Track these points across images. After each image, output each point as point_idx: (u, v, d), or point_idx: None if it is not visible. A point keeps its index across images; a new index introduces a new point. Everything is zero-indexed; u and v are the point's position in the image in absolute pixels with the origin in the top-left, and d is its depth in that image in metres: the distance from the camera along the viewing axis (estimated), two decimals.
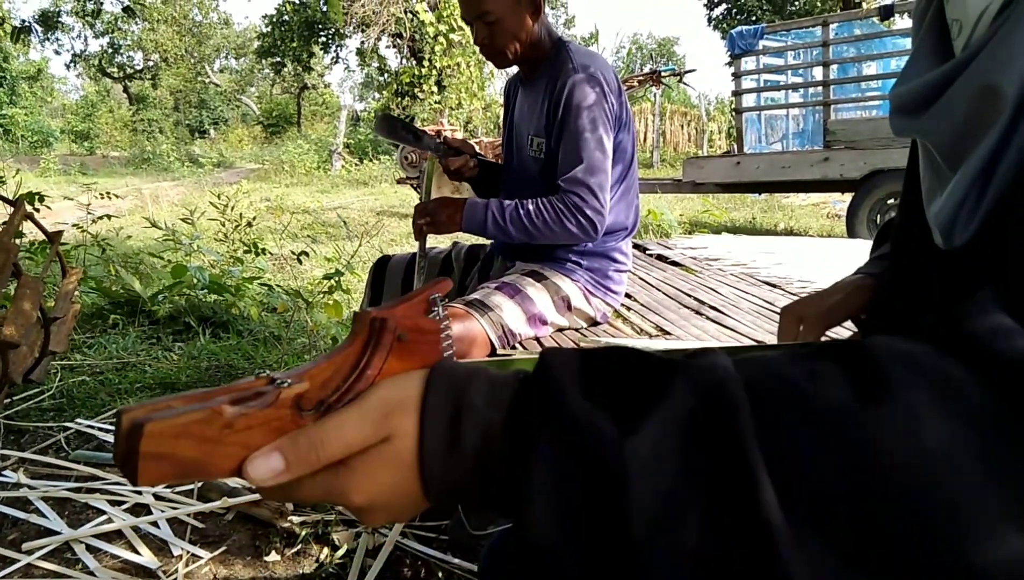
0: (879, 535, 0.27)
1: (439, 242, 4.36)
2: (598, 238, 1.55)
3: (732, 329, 1.62)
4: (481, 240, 1.83)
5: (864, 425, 0.28)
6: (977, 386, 0.28)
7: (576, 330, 1.66)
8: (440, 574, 1.47)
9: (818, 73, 6.51)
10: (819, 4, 20.43)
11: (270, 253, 4.70)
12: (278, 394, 0.34)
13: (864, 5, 17.41)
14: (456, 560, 1.51)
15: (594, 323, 1.68)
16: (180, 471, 0.32)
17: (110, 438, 2.10)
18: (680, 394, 0.31)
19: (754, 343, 1.51)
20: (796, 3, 21.85)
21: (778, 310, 1.79)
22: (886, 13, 6.04)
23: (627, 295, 2.00)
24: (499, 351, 1.50)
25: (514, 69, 1.78)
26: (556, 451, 0.31)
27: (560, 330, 1.65)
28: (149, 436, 0.31)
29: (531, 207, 1.52)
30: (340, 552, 1.53)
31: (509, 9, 1.57)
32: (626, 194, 1.68)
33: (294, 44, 21.65)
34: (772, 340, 1.51)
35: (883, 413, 0.28)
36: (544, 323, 1.59)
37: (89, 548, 1.56)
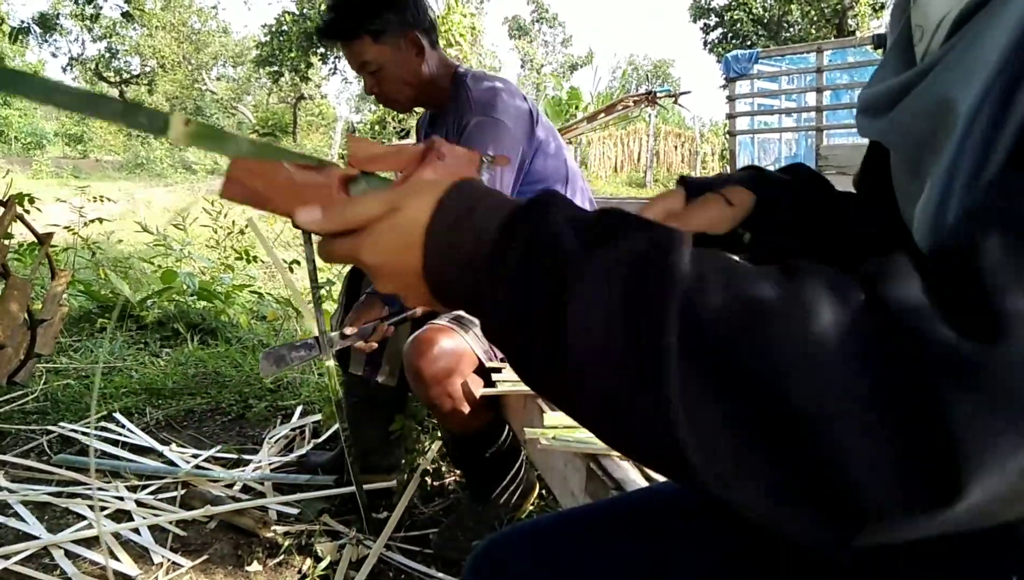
0: (747, 378, 0.31)
1: None
2: None
3: None
4: None
5: (771, 317, 0.33)
6: (861, 300, 0.32)
7: None
8: None
9: (811, 99, 6.60)
10: (814, 31, 20.74)
11: (261, 261, 4.69)
12: (331, 170, 0.49)
13: (858, 33, 17.69)
14: (440, 574, 1.50)
15: None
16: (249, 197, 0.47)
17: (93, 442, 2.08)
18: (635, 238, 0.37)
19: None
20: (791, 29, 22.17)
21: None
22: (879, 41, 6.13)
23: None
24: (488, 365, 1.50)
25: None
26: (527, 247, 0.39)
27: None
28: (233, 165, 0.47)
29: None
30: (323, 564, 1.52)
31: (390, 55, 1.53)
32: (582, 201, 1.68)
33: (292, 54, 21.72)
34: None
35: (792, 315, 0.32)
36: None
37: (68, 554, 1.54)
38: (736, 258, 0.37)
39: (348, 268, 2.02)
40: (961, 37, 0.39)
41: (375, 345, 1.49)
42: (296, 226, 0.47)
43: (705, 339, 0.32)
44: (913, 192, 0.45)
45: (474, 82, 1.58)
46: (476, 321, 1.54)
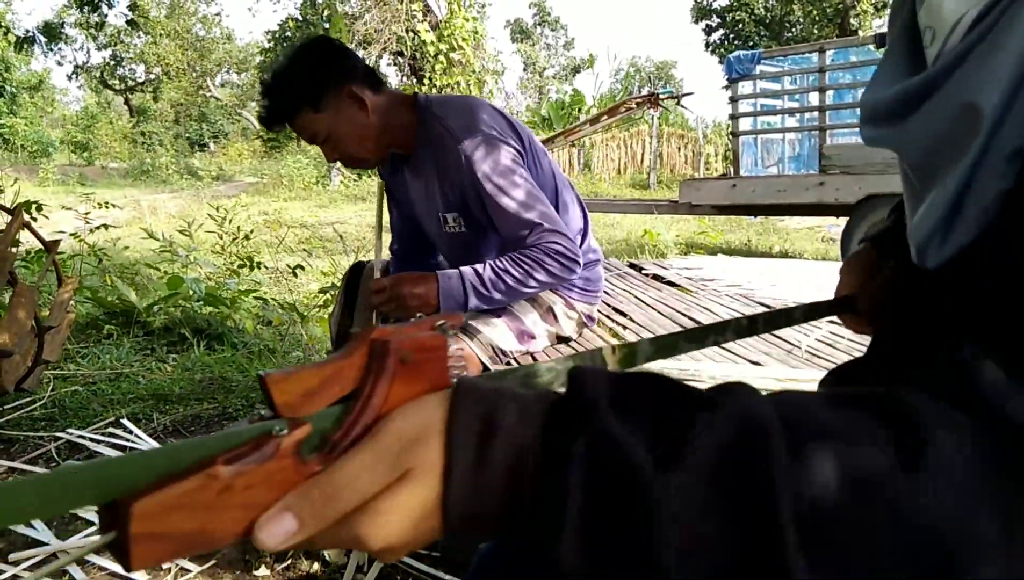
0: None
1: None
2: (580, 269, 1.49)
3: (727, 348, 1.63)
4: None
5: (898, 488, 0.29)
6: (998, 445, 0.29)
7: (566, 341, 1.67)
8: None
9: (814, 98, 6.59)
10: (816, 31, 20.70)
11: (266, 266, 4.70)
12: (277, 445, 0.31)
13: (860, 32, 17.66)
14: (447, 576, 1.50)
15: (582, 326, 1.68)
16: (180, 547, 0.29)
17: (102, 449, 2.08)
18: (716, 430, 0.30)
19: (748, 362, 1.52)
20: (793, 29, 22.14)
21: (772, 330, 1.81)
22: (882, 41, 6.12)
23: (621, 313, 2.00)
24: (492, 369, 1.50)
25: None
26: (591, 472, 0.31)
27: (554, 344, 1.65)
28: (139, 516, 0.28)
29: (510, 265, 1.42)
30: (331, 568, 1.52)
31: (334, 118, 1.48)
32: (565, 198, 1.64)
33: None
34: (765, 360, 1.52)
35: (919, 479, 0.29)
36: (533, 338, 1.59)
37: (77, 560, 1.54)
38: (827, 404, 0.33)
39: (348, 267, 2.03)
40: (980, 36, 0.37)
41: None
42: (265, 548, 0.31)
43: (837, 552, 0.28)
44: (915, 200, 0.43)
45: (441, 109, 1.52)
46: (481, 327, 1.55)
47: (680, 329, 1.80)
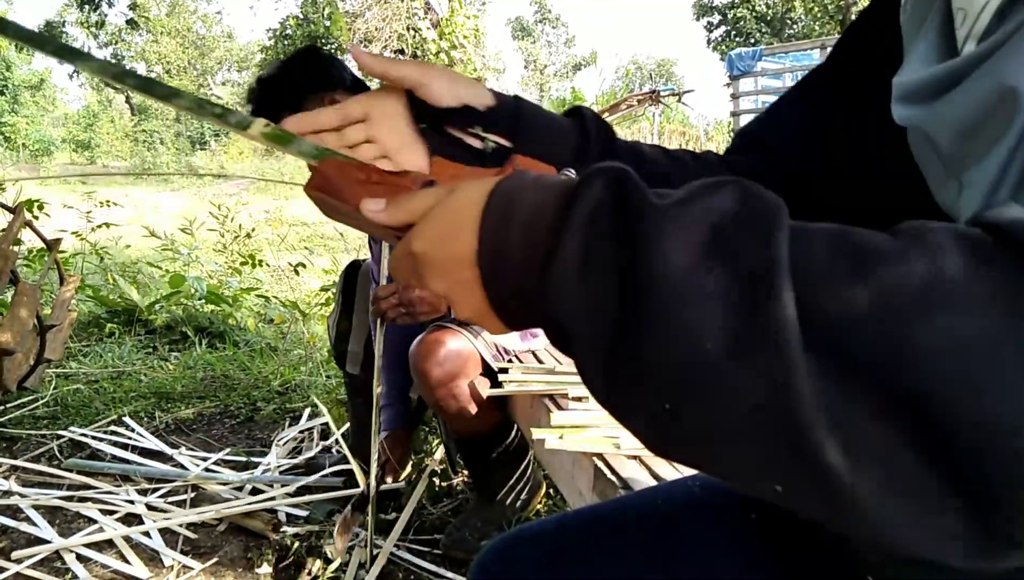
0: (903, 358, 0.26)
1: None
2: None
3: None
4: None
5: (922, 297, 0.27)
6: (999, 257, 0.27)
7: None
8: None
9: None
10: (817, 28, 20.67)
11: (268, 264, 4.71)
12: (413, 178, 0.48)
13: None
14: (449, 574, 1.50)
15: None
16: (328, 188, 0.48)
17: (103, 447, 2.09)
18: (720, 193, 0.33)
19: None
20: (794, 26, 22.11)
21: None
22: None
23: None
24: (494, 366, 1.50)
25: None
26: (598, 199, 0.34)
27: None
28: (324, 162, 0.49)
29: None
30: (333, 565, 1.52)
31: None
32: None
33: None
34: None
35: (912, 251, 0.28)
36: (535, 335, 1.59)
37: (79, 558, 1.55)
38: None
39: (345, 264, 2.03)
40: (1018, 24, 0.37)
41: None
42: (366, 213, 0.44)
43: (833, 307, 0.27)
44: (948, 185, 0.43)
45: None
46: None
47: None
